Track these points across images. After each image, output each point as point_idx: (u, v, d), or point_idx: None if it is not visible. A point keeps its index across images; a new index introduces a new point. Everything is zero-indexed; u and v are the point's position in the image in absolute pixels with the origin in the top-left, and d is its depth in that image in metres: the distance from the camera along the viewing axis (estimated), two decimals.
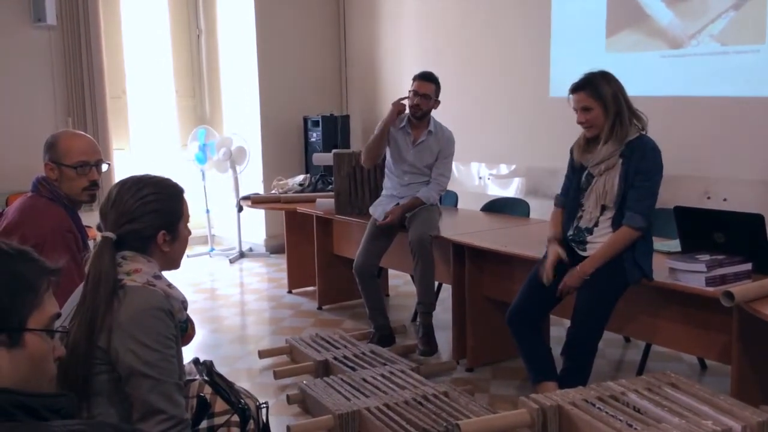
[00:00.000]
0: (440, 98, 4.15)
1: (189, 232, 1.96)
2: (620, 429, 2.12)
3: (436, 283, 4.27)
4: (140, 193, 1.82)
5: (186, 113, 7.20)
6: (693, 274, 2.74)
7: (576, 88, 2.98)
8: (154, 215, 1.82)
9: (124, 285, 1.75)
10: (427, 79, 4.10)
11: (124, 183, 1.85)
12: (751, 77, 4.14)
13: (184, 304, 1.86)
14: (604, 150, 2.96)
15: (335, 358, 3.68)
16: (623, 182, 2.92)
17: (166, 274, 1.89)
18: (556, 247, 3.06)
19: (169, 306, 1.77)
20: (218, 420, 1.99)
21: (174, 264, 1.93)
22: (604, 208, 2.99)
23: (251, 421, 2.04)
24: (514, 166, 5.54)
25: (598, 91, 2.93)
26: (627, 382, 2.46)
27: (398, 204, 4.13)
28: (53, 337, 1.23)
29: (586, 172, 3.04)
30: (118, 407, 1.73)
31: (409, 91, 4.13)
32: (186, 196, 1.95)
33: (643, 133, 2.98)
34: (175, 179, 1.95)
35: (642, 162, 2.90)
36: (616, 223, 2.95)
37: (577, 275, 2.96)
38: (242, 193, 6.32)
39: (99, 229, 1.84)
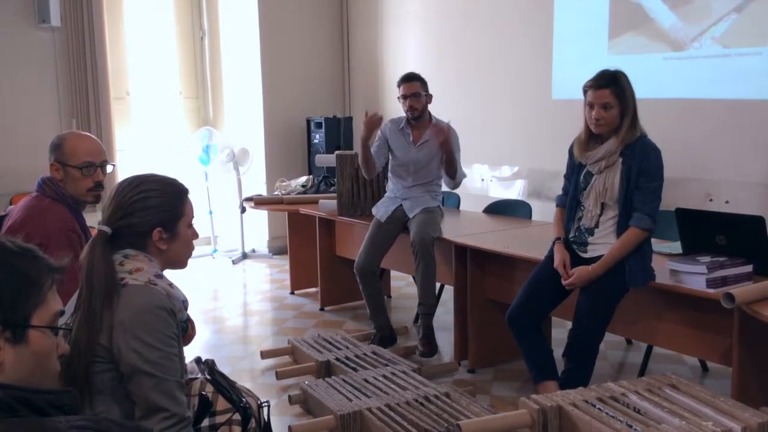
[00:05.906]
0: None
1: (194, 234, 1.94)
2: (620, 430, 2.12)
3: (438, 285, 4.28)
4: (139, 188, 1.84)
5: (189, 114, 7.22)
6: (694, 276, 2.74)
7: (601, 85, 2.90)
8: (151, 211, 1.83)
9: (126, 284, 1.76)
10: (409, 79, 4.12)
11: (126, 179, 1.88)
12: (753, 80, 4.14)
13: (184, 303, 1.88)
14: (604, 148, 2.95)
15: (337, 359, 3.69)
16: (625, 182, 2.91)
17: (169, 274, 1.90)
18: (562, 251, 3.06)
19: (171, 305, 1.78)
20: (220, 418, 2.00)
21: (178, 264, 1.94)
22: (603, 207, 2.99)
23: (252, 420, 2.05)
24: (516, 168, 5.55)
25: (623, 90, 2.90)
26: (627, 383, 2.46)
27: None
28: (57, 335, 1.24)
29: (584, 170, 3.04)
30: (121, 405, 1.75)
31: (398, 97, 4.14)
32: (191, 197, 1.94)
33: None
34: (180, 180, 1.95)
35: (645, 163, 2.89)
36: (621, 226, 2.94)
37: (587, 277, 2.94)
38: (245, 195, 6.33)
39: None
